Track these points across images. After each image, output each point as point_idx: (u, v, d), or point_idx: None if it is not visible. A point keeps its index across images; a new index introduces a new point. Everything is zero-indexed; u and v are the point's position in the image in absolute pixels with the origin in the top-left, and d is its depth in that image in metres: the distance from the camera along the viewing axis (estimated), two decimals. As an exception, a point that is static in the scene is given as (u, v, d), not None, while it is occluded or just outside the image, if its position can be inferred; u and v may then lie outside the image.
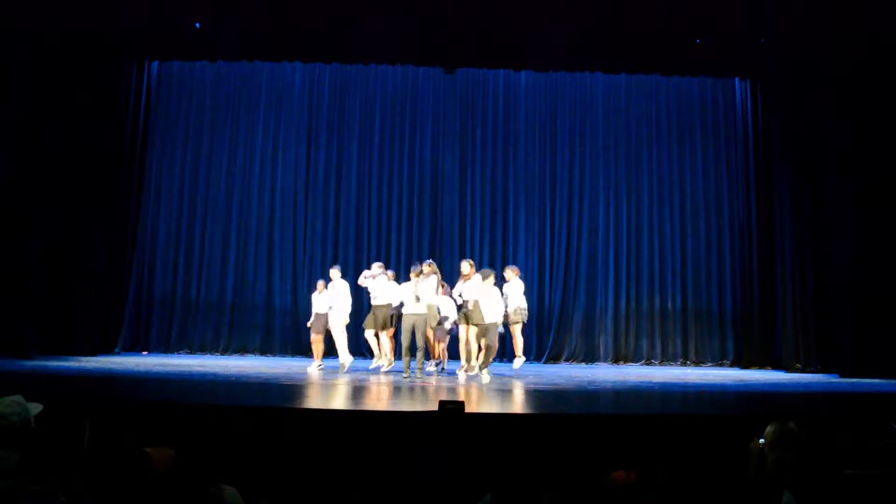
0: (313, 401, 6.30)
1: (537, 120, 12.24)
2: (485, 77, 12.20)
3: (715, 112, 12.19)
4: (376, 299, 8.80)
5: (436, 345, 9.07)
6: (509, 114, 12.23)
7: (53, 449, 2.59)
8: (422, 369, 8.29)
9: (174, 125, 11.89)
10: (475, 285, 8.22)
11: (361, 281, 9.05)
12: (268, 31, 10.10)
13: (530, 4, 9.50)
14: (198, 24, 9.94)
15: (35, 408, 2.71)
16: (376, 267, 8.98)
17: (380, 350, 8.96)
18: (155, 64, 11.46)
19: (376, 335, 8.88)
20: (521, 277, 8.97)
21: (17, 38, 9.56)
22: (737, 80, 11.81)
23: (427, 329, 8.32)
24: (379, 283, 8.80)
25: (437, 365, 9.07)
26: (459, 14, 9.58)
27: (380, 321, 8.71)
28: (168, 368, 8.71)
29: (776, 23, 9.68)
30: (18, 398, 2.67)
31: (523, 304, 8.74)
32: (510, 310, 8.55)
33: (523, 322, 8.77)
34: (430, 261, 8.57)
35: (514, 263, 11.85)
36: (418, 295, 8.15)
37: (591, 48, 10.29)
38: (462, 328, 8.57)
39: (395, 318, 8.75)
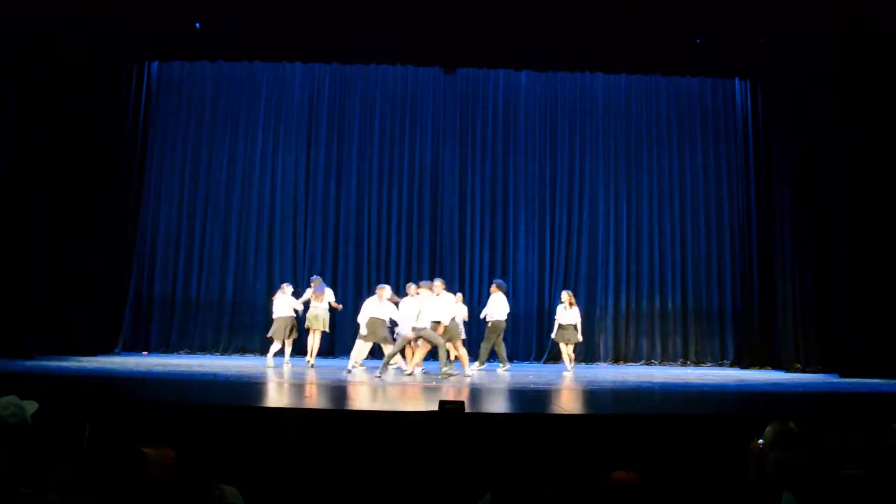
0: (313, 401, 6.30)
1: (537, 120, 12.24)
2: (485, 77, 12.20)
3: (715, 112, 12.19)
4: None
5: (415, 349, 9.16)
6: (509, 114, 12.23)
7: (52, 449, 2.59)
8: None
9: (174, 125, 11.89)
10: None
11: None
12: (268, 31, 10.07)
13: (531, 4, 9.49)
14: (198, 24, 9.93)
15: (31, 406, 2.69)
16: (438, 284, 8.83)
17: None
18: (155, 64, 11.44)
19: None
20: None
21: (18, 38, 9.55)
22: (737, 80, 11.80)
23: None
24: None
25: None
26: (459, 14, 9.57)
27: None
28: (168, 368, 8.71)
29: (776, 23, 9.67)
30: (13, 398, 2.65)
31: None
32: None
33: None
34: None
35: (514, 263, 11.91)
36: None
37: (591, 48, 10.28)
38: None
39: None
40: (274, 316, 9.58)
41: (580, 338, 9.81)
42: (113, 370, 8.26)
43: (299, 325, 9.68)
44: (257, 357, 11.23)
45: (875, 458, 3.20)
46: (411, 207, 12.04)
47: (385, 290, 9.01)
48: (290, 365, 9.41)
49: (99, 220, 10.28)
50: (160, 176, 11.75)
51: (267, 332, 9.66)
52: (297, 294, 9.85)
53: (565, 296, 9.85)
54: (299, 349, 9.88)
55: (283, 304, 9.55)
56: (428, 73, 12.08)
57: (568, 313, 9.71)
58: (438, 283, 8.59)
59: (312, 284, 9.81)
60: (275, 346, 9.56)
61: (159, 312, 11.49)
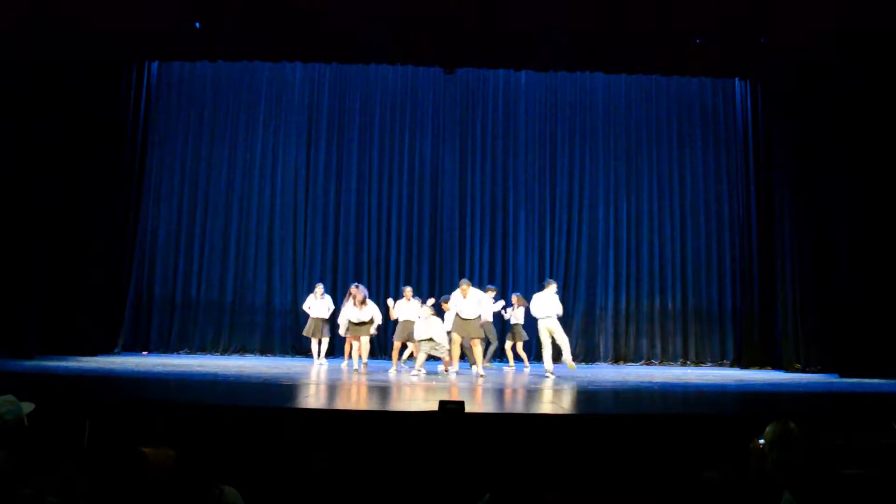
0: (313, 401, 6.30)
1: (537, 120, 12.24)
2: (485, 77, 12.20)
3: (715, 112, 12.20)
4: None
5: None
6: (509, 114, 12.23)
7: (51, 449, 2.59)
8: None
9: (174, 125, 11.89)
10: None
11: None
12: (268, 31, 10.08)
13: (530, 4, 9.49)
14: (198, 24, 9.93)
15: (27, 407, 2.73)
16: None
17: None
18: (155, 64, 11.45)
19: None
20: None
21: (18, 38, 9.55)
22: (737, 80, 11.80)
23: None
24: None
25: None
26: (459, 14, 9.57)
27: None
28: (168, 368, 8.71)
29: (776, 23, 9.67)
30: (9, 397, 2.68)
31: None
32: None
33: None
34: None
35: (514, 263, 11.93)
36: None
37: (591, 48, 10.27)
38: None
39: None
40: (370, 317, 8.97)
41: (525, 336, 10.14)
42: (113, 370, 8.26)
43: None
44: (257, 357, 11.26)
45: (875, 457, 3.20)
46: (411, 207, 12.04)
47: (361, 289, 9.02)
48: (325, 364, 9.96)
49: (99, 221, 10.29)
50: (160, 176, 11.75)
51: (264, 333, 9.67)
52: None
53: (515, 298, 10.14)
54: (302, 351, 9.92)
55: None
56: (428, 73, 12.07)
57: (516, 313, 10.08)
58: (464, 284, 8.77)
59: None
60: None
61: (159, 312, 11.49)
